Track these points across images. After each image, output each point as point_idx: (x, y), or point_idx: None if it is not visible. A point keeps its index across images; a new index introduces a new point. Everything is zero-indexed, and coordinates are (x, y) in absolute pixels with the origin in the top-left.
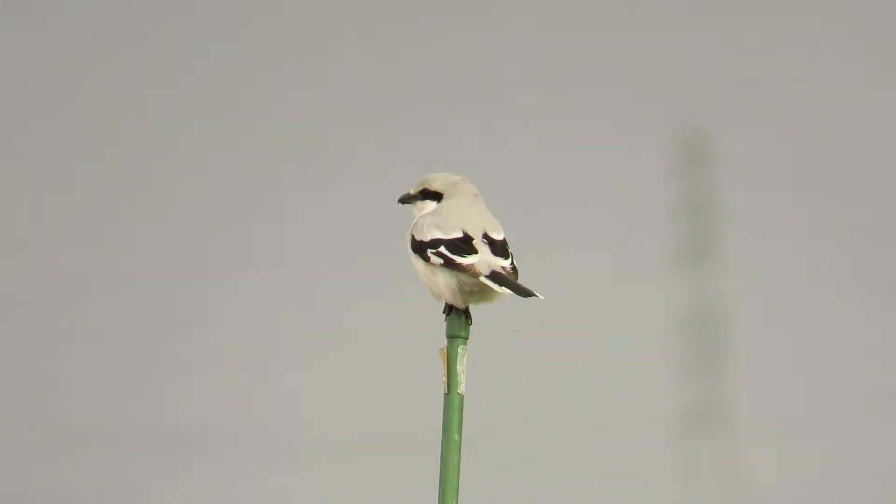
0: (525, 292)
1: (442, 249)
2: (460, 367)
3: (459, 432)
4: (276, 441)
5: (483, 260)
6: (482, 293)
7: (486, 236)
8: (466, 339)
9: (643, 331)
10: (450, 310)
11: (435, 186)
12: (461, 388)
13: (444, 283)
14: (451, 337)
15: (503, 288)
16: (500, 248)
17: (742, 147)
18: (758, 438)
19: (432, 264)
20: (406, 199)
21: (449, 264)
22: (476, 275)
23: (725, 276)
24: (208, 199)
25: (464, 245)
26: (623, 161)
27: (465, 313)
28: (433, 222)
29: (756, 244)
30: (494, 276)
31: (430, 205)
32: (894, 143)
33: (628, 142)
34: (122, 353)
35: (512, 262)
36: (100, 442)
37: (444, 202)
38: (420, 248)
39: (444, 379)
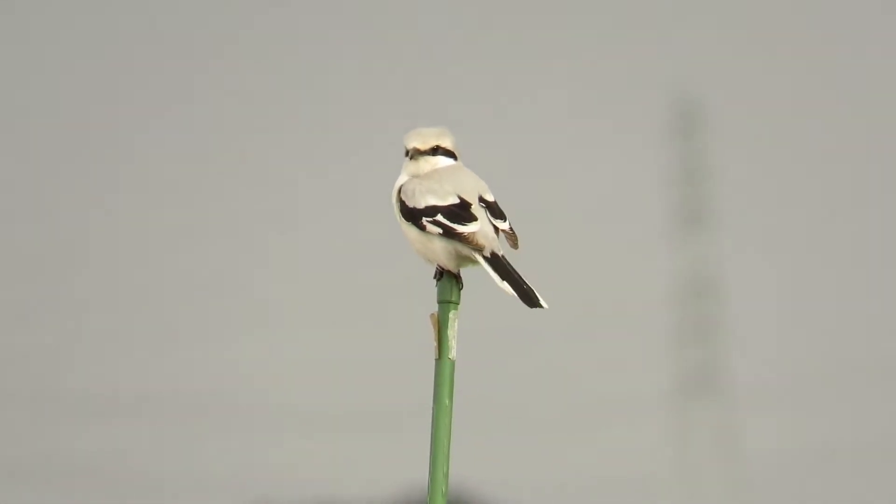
0: (530, 300)
1: (440, 218)
2: (451, 332)
3: (451, 398)
4: (264, 411)
5: (482, 229)
6: (476, 259)
7: (481, 199)
8: (458, 304)
9: (639, 298)
10: (440, 275)
11: (447, 144)
12: (452, 354)
13: (440, 249)
14: (442, 302)
15: (505, 284)
16: (496, 210)
17: (737, 116)
18: (753, 405)
19: (429, 233)
20: (416, 155)
21: (448, 234)
22: (478, 248)
23: (721, 244)
24: (184, 177)
25: (462, 212)
26: (618, 130)
27: (457, 278)
28: (426, 187)
29: (751, 212)
30: (496, 264)
31: (443, 162)
32: (890, 113)
33: (623, 111)
34: (100, 324)
35: (510, 224)
36: (80, 409)
37: (441, 163)
38: (413, 215)
39: (435, 344)
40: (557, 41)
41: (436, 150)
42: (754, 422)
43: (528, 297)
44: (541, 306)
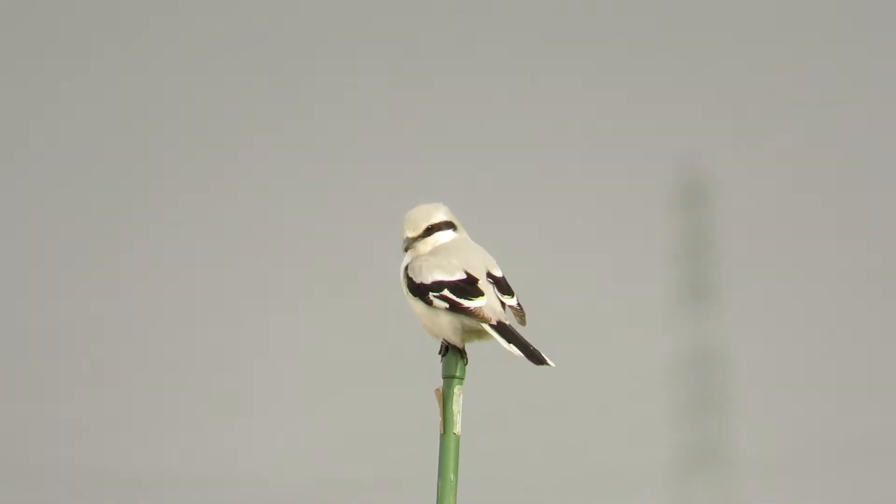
0: (537, 359)
1: (446, 293)
2: (456, 407)
3: (456, 473)
4: (268, 490)
5: (489, 304)
6: (482, 333)
7: (489, 274)
8: (462, 379)
9: (642, 372)
10: (446, 350)
11: (441, 219)
12: (457, 429)
13: (447, 323)
14: (448, 377)
15: (511, 346)
16: (504, 286)
17: (741, 189)
18: (757, 480)
19: (435, 307)
20: (411, 244)
21: (455, 308)
22: (485, 320)
23: (724, 318)
24: (180, 231)
25: (469, 287)
26: (622, 203)
27: (461, 353)
28: (433, 263)
29: (755, 285)
30: (503, 331)
31: (443, 237)
32: (893, 182)
33: (628, 183)
34: (120, 398)
35: (518, 301)
36: (83, 486)
37: (442, 239)
38: (420, 291)
39: (440, 419)
40: (559, 113)
41: (430, 230)
42: (758, 497)
43: (535, 357)
44: (547, 364)
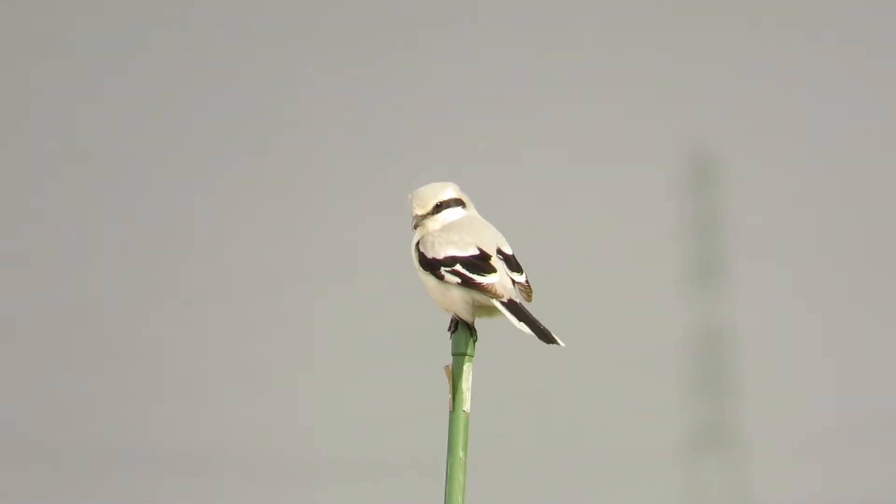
0: (547, 337)
1: (459, 268)
2: (465, 384)
3: (465, 450)
4: (275, 463)
5: (501, 281)
6: (492, 309)
7: (499, 251)
8: (472, 356)
9: (652, 351)
10: (455, 327)
11: (450, 196)
12: (466, 406)
13: (458, 298)
14: (457, 355)
15: (522, 325)
16: (513, 263)
17: (750, 167)
18: (767, 460)
19: (447, 282)
20: (419, 221)
21: (467, 283)
22: (497, 297)
23: (734, 296)
24: (203, 218)
25: (481, 263)
26: (632, 181)
27: (471, 329)
28: (446, 239)
29: (765, 264)
30: (514, 309)
31: (451, 214)
32: None
33: (638, 162)
34: (120, 375)
35: (526, 278)
36: (95, 464)
37: (451, 217)
38: (432, 265)
39: (450, 397)
40: (568, 94)
41: (438, 208)
42: (767, 477)
43: (545, 335)
44: (557, 343)
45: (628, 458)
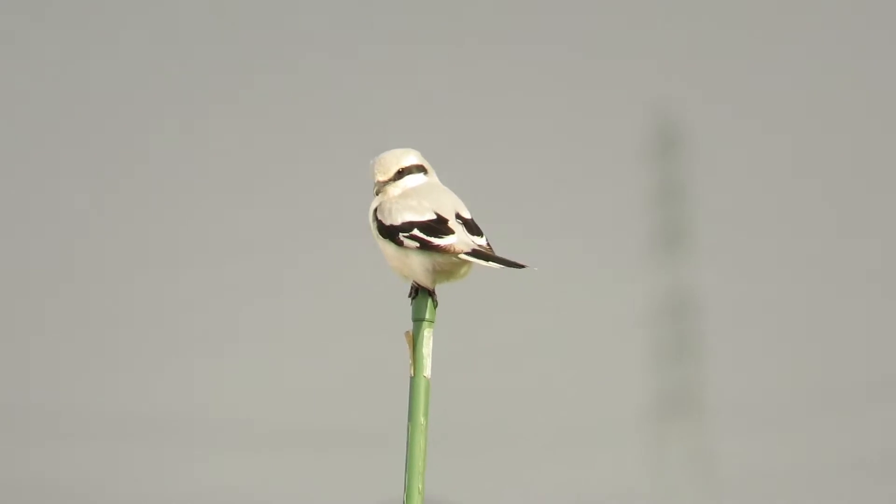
0: (516, 264)
1: (416, 232)
2: (426, 350)
3: (426, 416)
4: (235, 430)
5: (461, 239)
6: (452, 272)
7: (458, 216)
8: (432, 322)
9: (616, 318)
10: (415, 293)
11: (411, 162)
12: (427, 372)
13: (418, 264)
14: (417, 320)
15: (491, 263)
16: (473, 227)
17: (715, 134)
18: (731, 426)
19: (406, 248)
20: (381, 188)
21: (426, 246)
22: (457, 252)
23: (699, 264)
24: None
25: (439, 226)
26: (597, 149)
27: (431, 295)
28: (403, 205)
29: (730, 231)
30: (477, 254)
31: (412, 181)
32: (869, 130)
33: (602, 130)
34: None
35: (487, 240)
36: (51, 429)
37: (412, 183)
38: (390, 232)
39: (410, 362)
40: (531, 60)
41: (401, 174)
42: (732, 443)
43: (515, 265)
44: (527, 267)
45: (591, 425)
